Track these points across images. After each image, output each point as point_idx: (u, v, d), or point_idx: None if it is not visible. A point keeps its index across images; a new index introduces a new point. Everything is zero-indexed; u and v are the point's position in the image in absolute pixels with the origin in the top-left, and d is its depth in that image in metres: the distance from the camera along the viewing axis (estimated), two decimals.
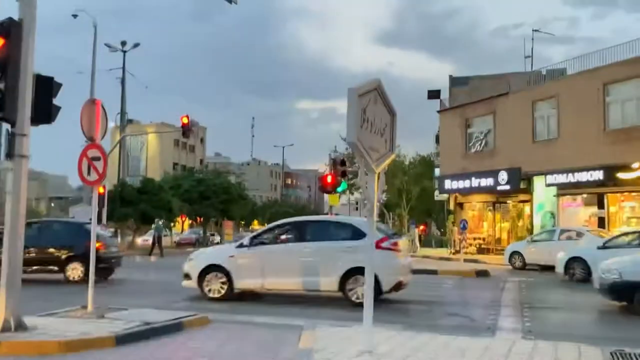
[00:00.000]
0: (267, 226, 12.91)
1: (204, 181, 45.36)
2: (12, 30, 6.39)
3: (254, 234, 11.92)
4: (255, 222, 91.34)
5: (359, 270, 9.61)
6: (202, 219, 46.68)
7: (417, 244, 41.39)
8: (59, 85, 7.06)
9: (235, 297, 10.97)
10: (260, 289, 11.03)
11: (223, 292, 10.90)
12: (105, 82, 75.09)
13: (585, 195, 24.85)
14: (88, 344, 6.07)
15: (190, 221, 53.82)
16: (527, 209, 27.95)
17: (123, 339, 6.40)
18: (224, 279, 10.89)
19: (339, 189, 20.11)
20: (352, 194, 42.64)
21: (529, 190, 27.16)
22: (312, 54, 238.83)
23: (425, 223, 57.57)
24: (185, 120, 30.07)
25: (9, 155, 6.50)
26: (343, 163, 20.14)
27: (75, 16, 31.98)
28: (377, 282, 10.31)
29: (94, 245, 8.37)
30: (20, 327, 6.39)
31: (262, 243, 11.16)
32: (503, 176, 27.77)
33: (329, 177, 19.10)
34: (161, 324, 7.19)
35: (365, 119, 5.50)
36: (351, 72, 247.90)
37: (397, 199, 37.60)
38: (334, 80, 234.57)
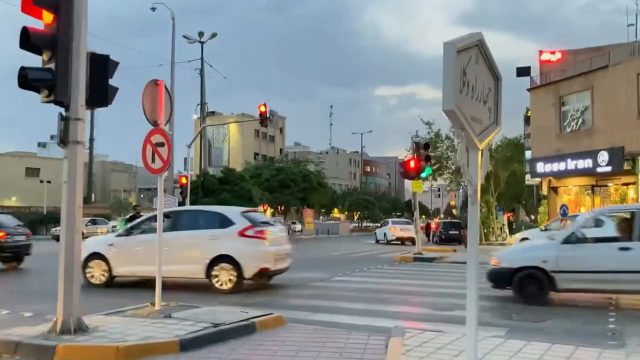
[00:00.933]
0: (145, 216, 13.32)
1: (284, 170, 45.22)
2: (61, 4, 5.81)
3: (132, 224, 12.46)
4: (336, 210, 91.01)
5: (224, 258, 10.58)
6: (283, 207, 46.60)
7: (507, 231, 39.21)
8: (116, 64, 6.42)
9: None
10: (133, 275, 11.49)
11: (104, 279, 11.42)
12: (185, 75, 77.02)
13: None
14: (149, 350, 5.43)
15: (272, 210, 54.07)
16: (631, 192, 25.36)
17: (188, 344, 5.71)
18: (104, 267, 11.43)
19: (423, 175, 18.85)
20: (435, 180, 40.89)
21: (634, 172, 24.56)
22: (391, 40, 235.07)
23: (513, 210, 54.70)
24: (262, 109, 29.78)
25: (63, 141, 5.95)
26: (427, 147, 18.80)
27: (153, 9, 32.34)
28: (239, 268, 10.47)
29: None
30: (80, 329, 5.86)
31: (143, 232, 11.63)
32: (603, 157, 25.32)
33: (411, 162, 17.93)
34: (232, 326, 6.46)
35: (465, 82, 4.38)
36: (430, 56, 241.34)
37: (485, 184, 35.55)
38: (413, 65, 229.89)
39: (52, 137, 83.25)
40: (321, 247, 28.98)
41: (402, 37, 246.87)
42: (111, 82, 6.38)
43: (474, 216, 4.75)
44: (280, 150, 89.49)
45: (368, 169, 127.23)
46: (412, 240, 26.59)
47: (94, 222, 40.63)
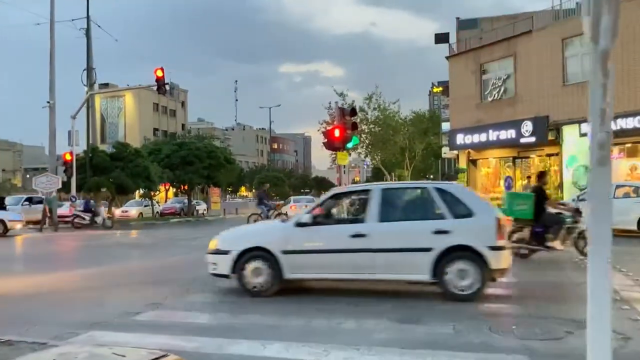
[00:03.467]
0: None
1: (186, 145, 41.37)
2: None
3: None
4: (243, 188, 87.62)
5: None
6: (186, 186, 42.85)
7: None
8: None
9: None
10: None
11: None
12: (69, 40, 69.61)
13: (629, 145, 21.46)
14: None
15: (175, 190, 50.04)
16: (555, 163, 24.59)
17: None
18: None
19: (349, 145, 16.43)
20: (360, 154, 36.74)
21: (557, 142, 23.70)
22: (294, 16, 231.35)
23: None
24: (159, 73, 26.15)
25: None
26: (353, 112, 16.30)
27: None
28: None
29: None
30: None
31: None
32: (527, 127, 24.30)
33: (336, 130, 15.41)
34: None
35: None
36: (333, 34, 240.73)
37: (399, 157, 34.11)
38: (317, 43, 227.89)
39: None
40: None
41: (306, 14, 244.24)
42: None
43: (605, 181, 2.26)
44: (183, 125, 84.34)
45: (275, 145, 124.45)
46: None
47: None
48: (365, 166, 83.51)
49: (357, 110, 31.79)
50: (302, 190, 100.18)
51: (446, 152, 32.74)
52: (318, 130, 32.77)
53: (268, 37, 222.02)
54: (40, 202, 28.22)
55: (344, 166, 17.16)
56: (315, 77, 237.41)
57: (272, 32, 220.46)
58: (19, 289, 9.06)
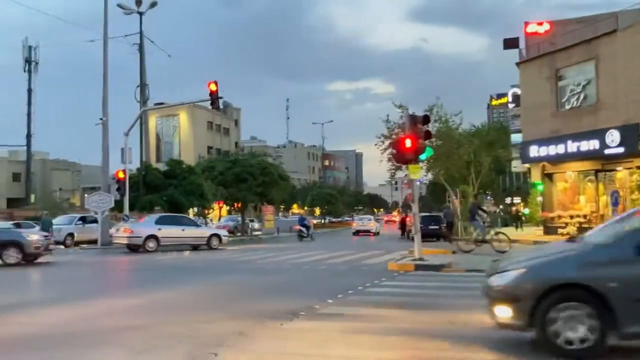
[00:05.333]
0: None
1: (240, 162, 40.45)
2: None
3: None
4: (295, 205, 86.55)
5: None
6: (240, 204, 41.89)
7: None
8: None
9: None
10: None
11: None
12: (123, 58, 70.91)
13: None
14: None
15: (228, 208, 49.30)
16: None
17: None
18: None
19: (423, 156, 14.64)
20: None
21: None
22: (343, 34, 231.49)
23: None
24: (212, 87, 25.18)
25: None
26: (426, 119, 14.51)
27: None
28: None
29: None
30: None
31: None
32: (613, 136, 21.82)
33: (407, 140, 13.69)
34: None
35: None
36: (383, 51, 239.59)
37: (464, 171, 31.89)
38: (367, 60, 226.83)
39: None
40: (289, 250, 23.74)
41: (355, 32, 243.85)
42: None
43: None
44: (236, 143, 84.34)
45: (327, 162, 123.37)
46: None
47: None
48: (419, 182, 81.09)
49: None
50: (355, 208, 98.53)
51: (516, 166, 30.36)
52: (375, 145, 30.92)
53: (318, 55, 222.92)
54: (94, 221, 27.60)
55: (413, 180, 15.34)
56: (366, 94, 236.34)
57: (323, 50, 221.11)
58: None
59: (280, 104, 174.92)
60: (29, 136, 66.97)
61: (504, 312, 5.79)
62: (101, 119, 27.91)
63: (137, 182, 28.98)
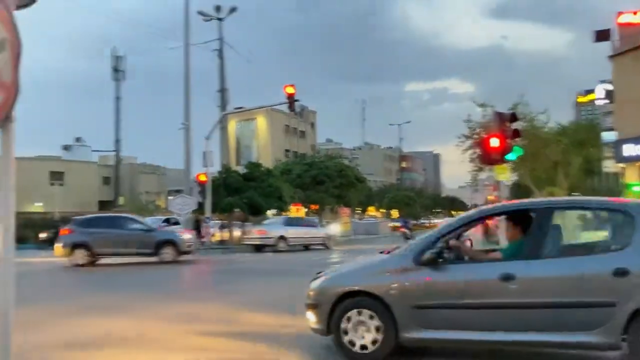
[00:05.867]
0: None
1: (316, 164, 40.54)
2: None
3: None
4: (372, 208, 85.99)
5: None
6: (317, 206, 41.99)
7: None
8: None
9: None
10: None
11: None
12: (203, 65, 73.10)
13: None
14: None
15: (305, 210, 49.61)
16: None
17: None
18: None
19: (511, 156, 13.84)
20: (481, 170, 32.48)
21: None
22: (420, 34, 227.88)
23: None
24: (290, 90, 25.29)
25: None
26: (514, 117, 13.69)
27: None
28: None
29: None
30: None
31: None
32: None
33: (493, 139, 12.98)
34: None
35: None
36: (461, 49, 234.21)
37: (551, 172, 30.31)
38: (444, 60, 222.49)
39: (77, 140, 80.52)
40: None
41: (431, 31, 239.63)
42: None
43: None
44: (312, 146, 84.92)
45: (404, 164, 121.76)
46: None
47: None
48: (504, 183, 78.22)
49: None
50: (433, 211, 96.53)
51: (609, 166, 28.42)
52: (456, 145, 30.01)
53: (394, 56, 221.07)
54: (177, 223, 28.44)
55: (500, 182, 14.58)
56: (443, 94, 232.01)
57: (398, 51, 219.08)
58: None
59: (356, 106, 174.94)
60: (117, 142, 70.52)
61: (311, 317, 6.03)
62: (183, 123, 28.72)
63: (218, 185, 29.59)
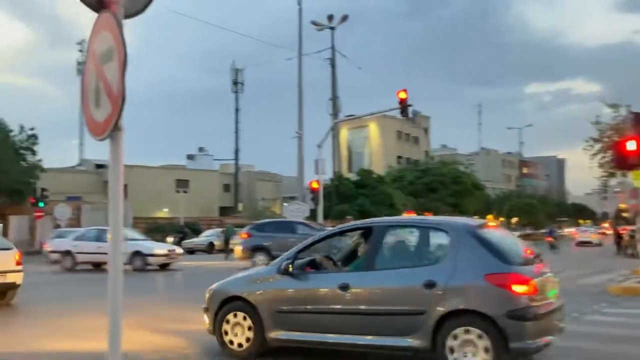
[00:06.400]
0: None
1: (430, 171, 39.59)
2: None
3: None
4: (490, 216, 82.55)
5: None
6: (430, 214, 40.99)
7: None
8: None
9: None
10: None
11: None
12: (315, 75, 74.43)
13: None
14: None
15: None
16: None
17: None
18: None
19: None
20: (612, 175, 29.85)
21: None
22: (540, 33, 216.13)
23: None
24: (402, 95, 24.81)
25: None
26: None
27: None
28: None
29: None
30: None
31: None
32: None
33: (630, 142, 11.75)
34: None
35: None
36: (586, 48, 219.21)
37: None
38: (566, 59, 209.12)
39: (200, 150, 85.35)
40: None
41: (552, 30, 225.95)
42: None
43: None
44: (426, 152, 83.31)
45: (524, 169, 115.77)
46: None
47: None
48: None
49: None
50: (557, 219, 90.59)
51: None
52: (583, 150, 27.87)
53: (511, 57, 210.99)
54: None
55: (637, 188, 13.15)
56: (567, 95, 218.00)
57: (515, 51, 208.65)
58: None
59: (471, 110, 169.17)
60: (236, 151, 73.91)
61: (205, 319, 6.97)
62: (297, 132, 29.27)
63: (330, 192, 29.79)
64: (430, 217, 7.67)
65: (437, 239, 6.18)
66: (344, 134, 73.34)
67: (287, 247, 19.74)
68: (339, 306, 6.02)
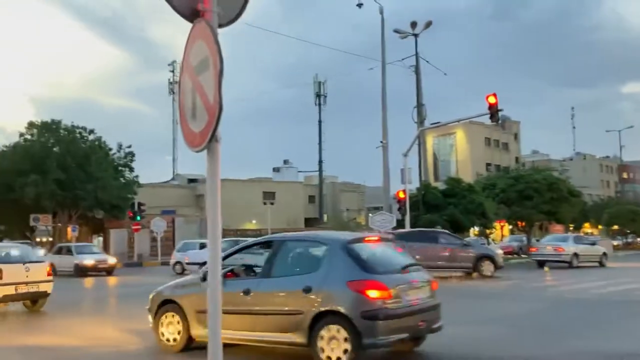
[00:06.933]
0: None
1: (523, 178, 37.83)
2: None
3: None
4: (587, 224, 77.75)
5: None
6: (524, 223, 39.15)
7: None
8: None
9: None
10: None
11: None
12: (398, 82, 73.57)
13: None
14: None
15: (510, 227, 46.61)
16: None
17: None
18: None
19: None
20: None
21: None
22: (636, 29, 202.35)
23: None
24: (492, 100, 23.85)
25: None
26: None
27: (360, 5, 28.79)
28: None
29: None
30: None
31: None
32: None
33: None
34: None
35: None
36: None
37: None
38: None
39: (285, 162, 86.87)
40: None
41: None
42: None
43: None
44: (517, 158, 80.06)
45: (625, 174, 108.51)
46: None
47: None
48: None
49: None
50: None
51: None
52: None
53: (606, 56, 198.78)
54: None
55: None
56: None
57: (611, 50, 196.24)
58: None
59: (564, 113, 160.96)
60: (320, 162, 74.54)
61: (149, 318, 8.25)
62: (381, 141, 28.91)
63: (416, 202, 29.15)
64: (313, 232, 9.75)
65: (318, 251, 7.31)
66: (430, 142, 72.01)
67: (434, 257, 19.97)
68: (242, 307, 7.19)
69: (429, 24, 30.20)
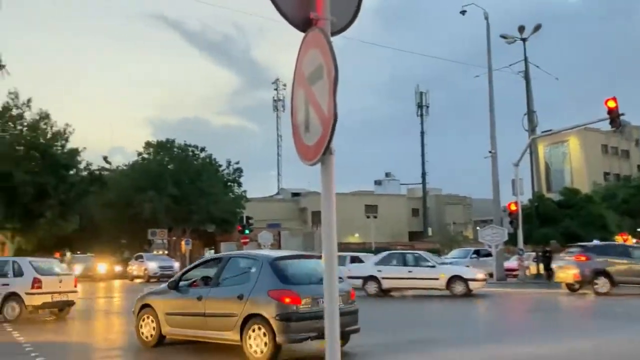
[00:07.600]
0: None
1: None
2: None
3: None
4: None
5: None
6: None
7: None
8: None
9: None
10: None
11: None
12: (505, 88, 70.28)
13: None
14: None
15: (634, 240, 42.98)
16: None
17: None
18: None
19: None
20: None
21: None
22: None
23: None
24: (611, 104, 22.24)
25: None
26: None
27: (463, 12, 28.05)
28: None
29: None
30: None
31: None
32: None
33: None
34: None
35: None
36: None
37: None
38: None
39: (386, 175, 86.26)
40: None
41: None
42: None
43: None
44: (639, 167, 73.98)
45: None
46: None
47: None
48: None
49: None
50: None
51: None
52: None
53: None
54: (488, 255, 27.32)
55: None
56: None
57: None
58: None
59: None
60: (423, 174, 73.17)
61: (135, 320, 10.21)
62: (490, 151, 27.79)
63: (529, 214, 27.61)
64: (250, 251, 12.28)
65: (252, 265, 8.87)
66: (541, 150, 68.40)
67: (630, 272, 18.63)
68: (196, 311, 8.94)
69: (537, 27, 28.71)
